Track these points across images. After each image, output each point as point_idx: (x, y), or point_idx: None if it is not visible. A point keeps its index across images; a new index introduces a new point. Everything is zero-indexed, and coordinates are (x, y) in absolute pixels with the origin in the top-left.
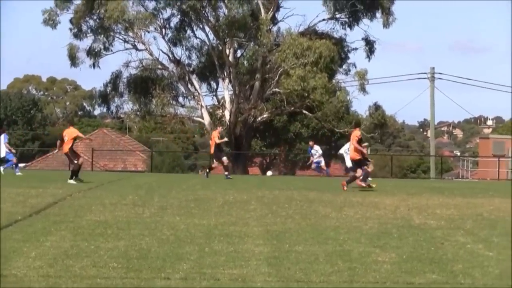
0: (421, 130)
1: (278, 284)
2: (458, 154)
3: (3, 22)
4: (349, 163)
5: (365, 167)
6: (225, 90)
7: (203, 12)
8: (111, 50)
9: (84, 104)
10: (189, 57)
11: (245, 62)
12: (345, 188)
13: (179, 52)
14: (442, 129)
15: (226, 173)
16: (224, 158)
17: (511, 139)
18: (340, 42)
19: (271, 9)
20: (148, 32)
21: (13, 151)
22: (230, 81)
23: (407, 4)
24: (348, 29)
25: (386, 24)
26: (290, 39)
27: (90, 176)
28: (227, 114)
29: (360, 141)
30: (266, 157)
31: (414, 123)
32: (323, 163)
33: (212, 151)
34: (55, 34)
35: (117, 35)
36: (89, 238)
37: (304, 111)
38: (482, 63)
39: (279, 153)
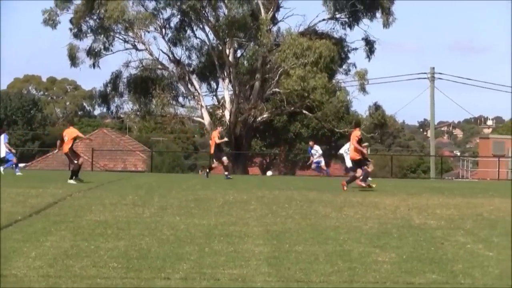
0: (421, 130)
1: (278, 284)
2: (458, 154)
3: (3, 22)
4: (349, 163)
5: (365, 167)
6: (225, 90)
7: (203, 12)
8: (111, 50)
9: (84, 104)
10: (189, 57)
11: (245, 62)
12: (345, 188)
13: (179, 52)
14: (442, 129)
15: (226, 173)
16: (224, 158)
17: (511, 139)
18: (340, 42)
19: (271, 9)
20: (148, 32)
21: (13, 151)
22: (230, 81)
23: (407, 4)
24: (348, 29)
25: (386, 24)
26: (290, 39)
27: (90, 176)
28: (227, 114)
29: (360, 141)
30: (266, 157)
31: (414, 123)
32: (323, 163)
33: (212, 151)
34: (55, 34)
35: (117, 35)
36: (89, 238)
37: (304, 111)
38: (482, 63)
39: (279, 153)
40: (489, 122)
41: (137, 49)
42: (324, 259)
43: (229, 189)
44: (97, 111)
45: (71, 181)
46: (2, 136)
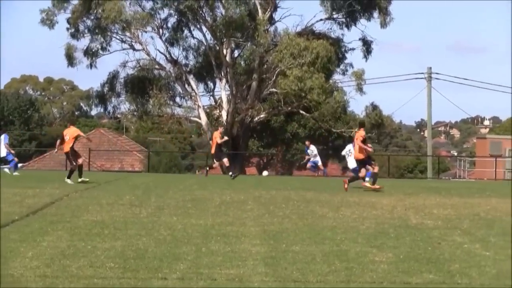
0: (418, 130)
1: (275, 284)
2: (455, 154)
3: (2, 22)
4: (351, 165)
5: (370, 167)
6: (222, 90)
7: (201, 12)
8: (108, 50)
9: (81, 104)
10: (186, 57)
11: (242, 62)
12: (346, 185)
13: (176, 52)
14: (439, 129)
15: (230, 173)
16: (225, 160)
17: (507, 139)
18: (337, 42)
19: (269, 9)
20: (145, 32)
21: (12, 152)
22: (227, 81)
23: (404, 4)
24: (345, 29)
25: (384, 24)
26: (287, 39)
27: (87, 176)
28: (224, 114)
29: (364, 141)
30: (263, 157)
31: (411, 123)
32: (320, 163)
33: (213, 151)
34: (52, 34)
35: (114, 35)
36: (86, 238)
37: (301, 111)
38: (479, 63)
39: (276, 153)
40: (486, 122)
41: (134, 49)
42: (321, 259)
43: (226, 189)
44: (94, 111)
45: (68, 181)
46: (3, 136)
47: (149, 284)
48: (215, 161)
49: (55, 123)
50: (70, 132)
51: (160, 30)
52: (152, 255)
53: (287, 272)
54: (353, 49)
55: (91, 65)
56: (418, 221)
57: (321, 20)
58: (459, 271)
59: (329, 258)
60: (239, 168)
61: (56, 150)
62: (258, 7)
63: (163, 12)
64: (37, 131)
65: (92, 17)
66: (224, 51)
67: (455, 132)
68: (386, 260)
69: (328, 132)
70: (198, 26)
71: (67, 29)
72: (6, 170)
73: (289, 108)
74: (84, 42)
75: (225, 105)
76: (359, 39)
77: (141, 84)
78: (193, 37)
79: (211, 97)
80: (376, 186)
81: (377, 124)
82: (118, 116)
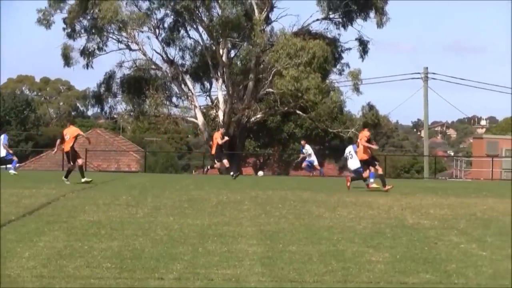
0: (414, 130)
1: (272, 284)
2: (452, 154)
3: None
4: (351, 166)
5: (373, 168)
6: (219, 90)
7: (197, 12)
8: (105, 50)
9: (78, 104)
10: (182, 57)
11: (239, 62)
12: (348, 183)
13: (172, 52)
14: (436, 129)
15: (231, 173)
16: (225, 161)
17: (504, 139)
18: (333, 42)
19: (265, 9)
20: (142, 32)
21: (11, 152)
22: (223, 81)
23: (400, 4)
24: (341, 29)
25: (380, 24)
26: (284, 39)
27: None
28: (220, 114)
29: (368, 141)
30: (260, 158)
31: (408, 123)
32: (316, 162)
33: (213, 151)
34: (48, 34)
35: (111, 35)
36: (82, 239)
37: (298, 111)
38: (476, 63)
39: (272, 153)
40: (483, 122)
41: (130, 49)
42: (318, 259)
43: (222, 189)
44: (90, 112)
45: (66, 180)
46: (2, 136)
47: (145, 284)
48: (216, 161)
49: (52, 124)
50: (70, 132)
51: (157, 30)
52: (149, 255)
53: (284, 272)
54: (349, 49)
55: (87, 65)
56: (414, 221)
57: (317, 20)
58: (456, 271)
59: (326, 258)
60: (236, 168)
61: (55, 150)
62: (255, 7)
63: (160, 12)
64: (34, 132)
65: (89, 17)
66: (221, 51)
67: (452, 132)
68: (382, 260)
69: (325, 132)
70: (195, 26)
71: (64, 29)
72: (12, 171)
73: (286, 108)
74: (80, 42)
75: (221, 105)
76: (356, 39)
77: (137, 84)
78: (190, 37)
79: (208, 97)
80: (389, 187)
81: (374, 124)
82: (115, 116)
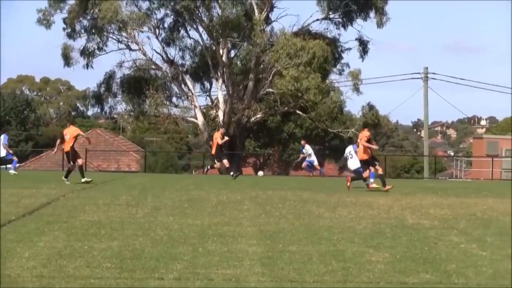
0: (414, 130)
1: (272, 284)
2: (452, 154)
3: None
4: (351, 166)
5: (373, 168)
6: (219, 90)
7: (197, 12)
8: (105, 50)
9: (78, 104)
10: (182, 57)
11: (239, 62)
12: (348, 183)
13: (172, 52)
14: (436, 129)
15: (231, 173)
16: (225, 161)
17: (504, 139)
18: (333, 42)
19: (265, 9)
20: (142, 32)
21: (11, 152)
22: (223, 81)
23: (400, 4)
24: (341, 29)
25: (380, 24)
26: (284, 39)
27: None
28: (220, 114)
29: (368, 141)
30: (260, 158)
31: (408, 123)
32: (316, 162)
33: (213, 151)
34: (48, 34)
35: (111, 35)
36: (82, 239)
37: (298, 111)
38: (476, 63)
39: (272, 153)
40: (483, 122)
41: (130, 49)
42: (318, 259)
43: (222, 189)
44: (90, 112)
45: (66, 180)
46: (2, 136)
47: (145, 284)
48: (216, 161)
49: (52, 124)
50: (71, 132)
51: (157, 30)
52: (149, 255)
53: (284, 272)
54: (349, 49)
55: (87, 65)
56: (414, 221)
57: (317, 20)
58: (456, 271)
59: (326, 258)
60: (236, 168)
61: (55, 150)
62: (255, 7)
63: (160, 12)
64: (34, 132)
65: (89, 17)
66: (221, 51)
67: (452, 132)
68: (382, 260)
69: (325, 132)
70: (195, 26)
71: (64, 29)
72: (12, 171)
73: (286, 108)
74: (80, 42)
75: (221, 105)
76: (356, 39)
77: (137, 84)
78: (190, 37)
79: (208, 97)
80: (389, 187)
81: (374, 124)
82: (115, 116)
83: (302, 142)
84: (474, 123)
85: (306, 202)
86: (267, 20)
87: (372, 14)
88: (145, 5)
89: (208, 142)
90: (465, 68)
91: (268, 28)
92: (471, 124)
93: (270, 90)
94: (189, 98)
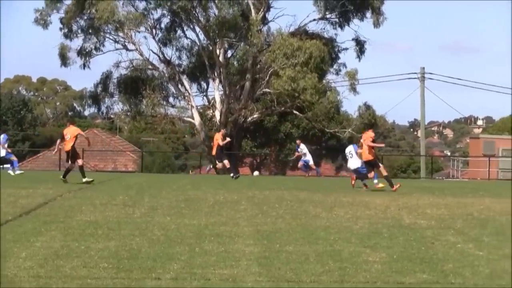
0: (411, 130)
1: (269, 284)
2: (449, 154)
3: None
4: (352, 166)
5: (378, 169)
6: (216, 90)
7: (194, 12)
8: (102, 51)
9: (75, 104)
10: (179, 57)
11: (236, 62)
12: (353, 182)
13: (169, 52)
14: (433, 129)
15: (231, 174)
16: (226, 161)
17: (500, 138)
18: (330, 42)
19: (262, 9)
20: (139, 32)
21: (9, 151)
22: (220, 81)
23: (397, 4)
24: (338, 29)
25: (377, 24)
26: (281, 39)
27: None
28: (217, 114)
29: (374, 142)
30: (257, 157)
31: (405, 123)
32: (311, 162)
33: (214, 152)
34: (45, 34)
35: (108, 35)
36: (79, 239)
37: (295, 111)
38: (472, 63)
39: (269, 153)
40: (479, 122)
41: (127, 49)
42: (315, 259)
43: (219, 189)
44: (87, 112)
45: (64, 180)
46: (2, 136)
47: (142, 284)
48: (217, 162)
49: (49, 124)
50: (71, 131)
51: (153, 30)
52: (146, 255)
53: (281, 272)
54: (346, 49)
55: (84, 65)
56: (411, 221)
57: (314, 20)
58: (453, 271)
59: (323, 258)
60: (232, 168)
61: (56, 149)
62: (251, 7)
63: (156, 12)
64: (31, 132)
65: (85, 17)
66: (217, 51)
67: (449, 132)
68: (379, 260)
69: (322, 132)
70: (191, 26)
71: (61, 29)
72: (10, 171)
73: (283, 108)
74: (77, 42)
75: (218, 105)
76: (352, 39)
77: (134, 84)
78: (186, 37)
79: (205, 97)
80: (396, 186)
81: (370, 124)
82: (112, 116)
83: (298, 141)
84: (470, 123)
85: (303, 202)
86: (264, 20)
87: (368, 14)
88: (141, 5)
89: (205, 142)
90: (461, 68)
91: (265, 28)
92: (468, 124)
93: (267, 90)
94: (186, 98)
